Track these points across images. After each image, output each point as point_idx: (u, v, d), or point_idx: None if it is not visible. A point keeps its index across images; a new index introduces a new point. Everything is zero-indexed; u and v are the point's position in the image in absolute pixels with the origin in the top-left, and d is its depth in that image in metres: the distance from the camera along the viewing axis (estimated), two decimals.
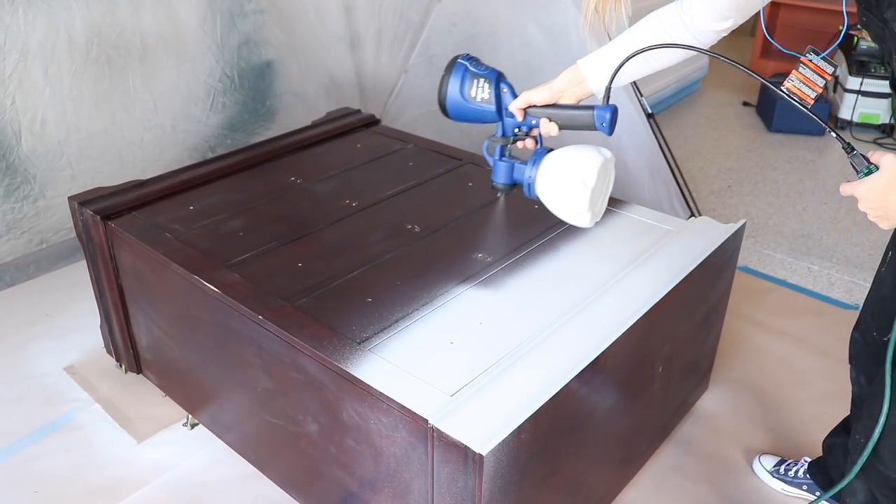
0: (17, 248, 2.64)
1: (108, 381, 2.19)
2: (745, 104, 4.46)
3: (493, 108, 1.29)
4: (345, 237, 1.85)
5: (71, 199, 2.02)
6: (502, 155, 1.33)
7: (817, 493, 1.77)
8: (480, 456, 1.16)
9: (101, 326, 2.18)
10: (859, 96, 3.92)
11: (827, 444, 1.74)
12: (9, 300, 2.60)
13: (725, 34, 1.34)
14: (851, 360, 1.58)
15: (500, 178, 1.34)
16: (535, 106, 1.31)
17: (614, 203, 1.99)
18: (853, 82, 3.92)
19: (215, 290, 1.64)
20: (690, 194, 2.81)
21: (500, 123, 1.32)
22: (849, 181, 1.11)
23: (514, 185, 1.35)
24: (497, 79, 1.29)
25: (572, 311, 1.53)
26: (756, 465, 1.88)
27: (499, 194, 1.36)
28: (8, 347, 2.36)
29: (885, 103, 3.91)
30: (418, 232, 1.86)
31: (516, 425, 1.21)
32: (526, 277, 1.67)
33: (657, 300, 1.54)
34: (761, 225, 3.14)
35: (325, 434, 1.53)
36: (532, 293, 1.62)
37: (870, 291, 1.49)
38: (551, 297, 1.60)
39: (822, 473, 1.75)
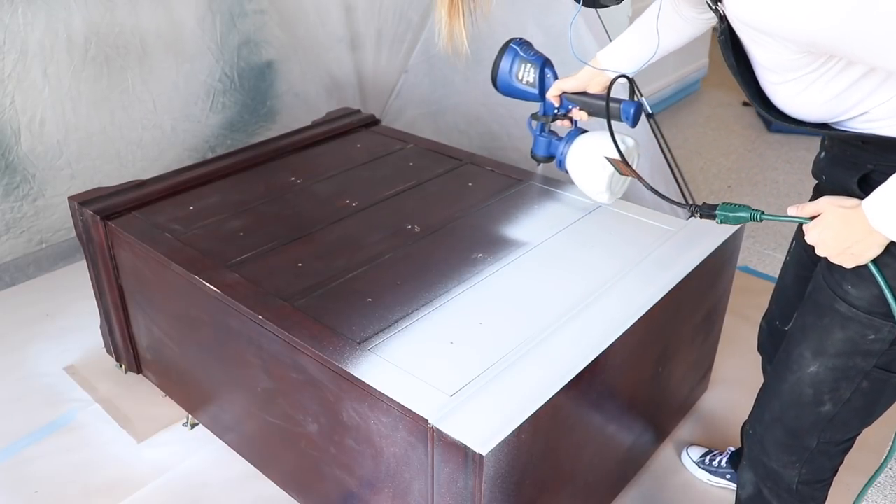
0: (17, 247, 2.64)
1: (108, 381, 2.19)
2: (745, 104, 4.46)
3: (536, 90, 1.44)
4: (345, 237, 1.85)
5: (71, 199, 2.02)
6: (542, 131, 1.48)
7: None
8: (480, 456, 1.16)
9: (101, 326, 2.18)
10: None
11: (744, 431, 1.75)
12: (9, 300, 2.60)
13: (711, 23, 1.34)
14: (759, 348, 1.63)
15: (539, 150, 1.50)
16: (567, 93, 1.44)
17: (615, 203, 1.99)
18: None
19: (215, 290, 1.64)
20: (690, 194, 2.80)
21: (542, 103, 1.46)
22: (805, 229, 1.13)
23: (551, 158, 1.49)
24: (542, 65, 1.43)
25: (572, 311, 1.53)
26: (684, 457, 1.91)
27: (538, 164, 1.53)
28: (8, 347, 2.36)
29: None
30: (418, 232, 1.86)
31: (516, 425, 1.21)
32: (526, 277, 1.67)
33: (657, 300, 1.54)
34: (761, 225, 3.14)
35: (325, 434, 1.53)
36: (532, 293, 1.62)
37: (777, 281, 1.53)
38: (551, 298, 1.60)
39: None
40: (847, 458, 1.44)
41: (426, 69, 3.33)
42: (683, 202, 1.25)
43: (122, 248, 1.94)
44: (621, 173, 1.37)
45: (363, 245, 1.81)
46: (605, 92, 1.41)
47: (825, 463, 1.31)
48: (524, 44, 1.46)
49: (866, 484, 1.31)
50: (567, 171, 1.49)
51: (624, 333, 1.45)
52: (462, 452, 1.20)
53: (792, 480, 1.32)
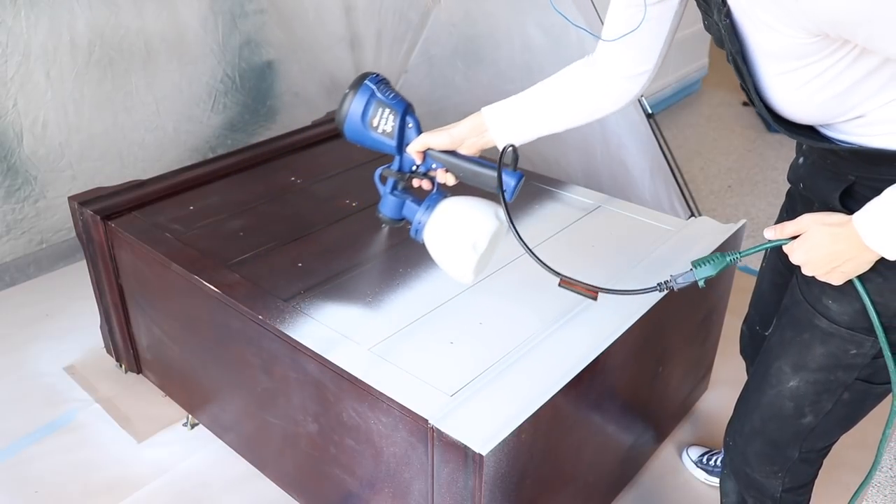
0: (18, 248, 2.64)
1: (108, 381, 2.19)
2: (745, 104, 4.46)
3: (393, 142, 1.20)
4: (345, 237, 1.85)
5: (71, 199, 2.02)
6: (395, 188, 1.24)
7: None
8: (480, 456, 1.16)
9: (101, 326, 2.19)
10: None
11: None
12: (9, 300, 2.60)
13: (640, 85, 1.23)
14: (742, 353, 1.64)
15: (388, 211, 1.25)
16: (433, 150, 1.22)
17: (615, 203, 1.99)
18: None
19: (215, 290, 1.64)
20: (690, 194, 2.80)
21: (398, 157, 1.24)
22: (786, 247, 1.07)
23: (401, 221, 1.26)
24: (404, 112, 1.20)
25: (572, 312, 1.53)
26: (684, 457, 1.91)
27: (383, 225, 1.26)
28: (8, 347, 2.36)
29: None
30: None
31: (516, 425, 1.21)
32: (526, 278, 1.67)
33: (657, 300, 1.54)
34: (761, 225, 3.13)
35: (325, 434, 1.53)
36: (532, 293, 1.62)
37: (755, 286, 1.51)
38: (551, 298, 1.60)
39: None
40: (846, 457, 1.44)
41: (426, 69, 3.33)
42: (653, 287, 1.14)
43: (122, 248, 1.94)
44: (578, 292, 1.16)
45: (363, 245, 1.81)
46: (478, 154, 1.24)
47: (807, 469, 1.31)
48: (382, 82, 1.21)
49: (857, 490, 1.31)
50: (423, 242, 1.24)
51: (624, 334, 1.45)
52: (462, 452, 1.20)
53: (776, 490, 1.31)
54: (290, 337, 1.48)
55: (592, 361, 1.37)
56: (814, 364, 1.14)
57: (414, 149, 1.21)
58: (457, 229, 1.19)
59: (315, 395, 1.50)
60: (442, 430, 1.22)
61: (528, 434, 1.25)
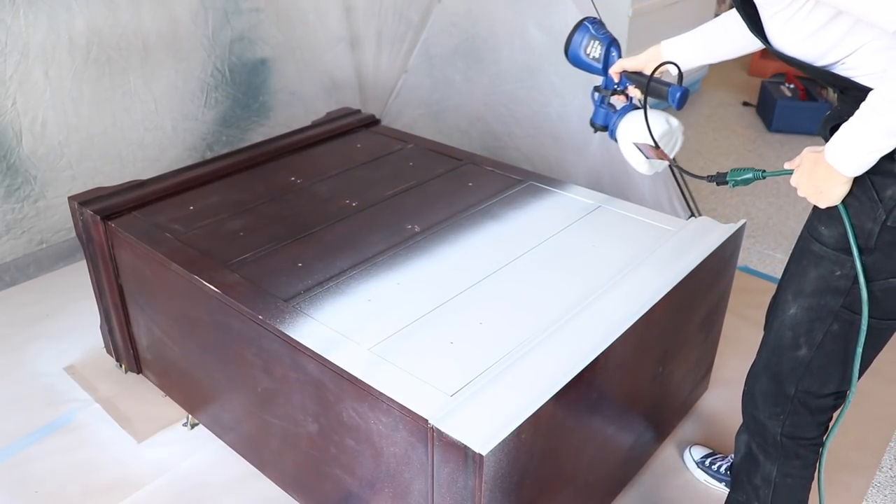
0: (18, 248, 2.64)
1: (108, 381, 2.19)
2: (745, 104, 4.46)
3: (600, 65, 1.60)
4: (345, 237, 1.85)
5: (71, 199, 2.02)
6: (602, 102, 1.63)
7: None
8: (480, 456, 1.16)
9: (101, 326, 2.19)
10: None
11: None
12: (9, 300, 2.60)
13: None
14: (765, 327, 1.65)
15: (597, 119, 1.65)
16: (626, 71, 1.58)
17: (615, 203, 1.99)
18: None
19: (215, 290, 1.64)
20: (690, 194, 2.80)
21: (604, 78, 1.62)
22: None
23: (605, 128, 1.65)
24: (609, 44, 1.59)
25: (572, 311, 1.53)
26: (686, 456, 1.92)
27: (595, 132, 1.67)
28: (8, 347, 2.36)
29: None
30: (418, 232, 1.86)
31: (516, 425, 1.21)
32: (526, 277, 1.67)
33: (657, 300, 1.54)
34: (761, 225, 3.14)
35: (325, 434, 1.53)
36: (532, 293, 1.62)
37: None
38: (551, 298, 1.60)
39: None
40: (847, 459, 1.43)
41: (426, 69, 3.33)
42: (701, 176, 1.44)
43: (122, 248, 1.94)
44: (647, 156, 1.54)
45: (363, 245, 1.81)
46: (659, 74, 1.57)
47: (806, 417, 1.39)
48: (597, 23, 1.63)
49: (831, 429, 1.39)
50: (616, 142, 1.64)
51: (624, 333, 1.45)
52: (462, 452, 1.20)
53: (776, 432, 1.41)
54: (290, 337, 1.48)
55: (593, 361, 1.37)
56: (809, 288, 1.31)
57: (613, 70, 1.58)
58: (635, 129, 1.54)
59: (315, 395, 1.50)
60: (442, 430, 1.22)
61: (528, 434, 1.25)
